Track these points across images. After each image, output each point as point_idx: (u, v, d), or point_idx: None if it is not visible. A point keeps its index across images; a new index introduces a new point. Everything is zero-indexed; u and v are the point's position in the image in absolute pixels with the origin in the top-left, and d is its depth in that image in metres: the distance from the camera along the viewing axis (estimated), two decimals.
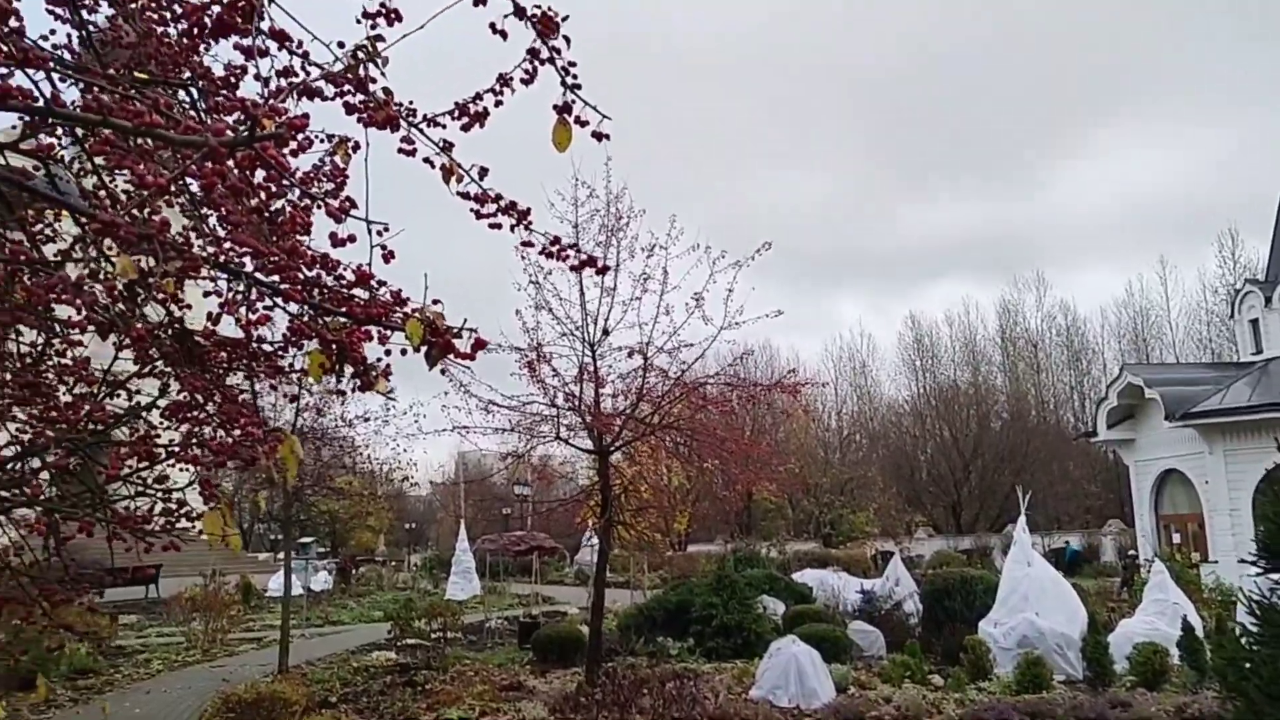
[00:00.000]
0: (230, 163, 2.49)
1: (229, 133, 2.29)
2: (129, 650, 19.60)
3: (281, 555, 23.74)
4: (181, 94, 3.53)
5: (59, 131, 3.49)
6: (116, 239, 2.04)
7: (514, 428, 14.98)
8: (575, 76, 3.21)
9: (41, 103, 2.31)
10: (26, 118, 2.42)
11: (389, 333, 3.11)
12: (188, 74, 3.38)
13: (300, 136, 3.26)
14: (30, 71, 2.67)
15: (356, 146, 3.50)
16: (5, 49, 2.17)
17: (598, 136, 3.29)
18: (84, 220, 2.89)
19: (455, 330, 3.00)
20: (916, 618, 18.77)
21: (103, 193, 3.54)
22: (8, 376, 3.53)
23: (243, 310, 2.97)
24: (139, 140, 2.64)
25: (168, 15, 2.97)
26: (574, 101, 3.22)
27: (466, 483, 45.62)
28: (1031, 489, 22.89)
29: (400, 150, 3.35)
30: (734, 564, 23.91)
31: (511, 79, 3.44)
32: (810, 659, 13.28)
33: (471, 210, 3.51)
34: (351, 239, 2.73)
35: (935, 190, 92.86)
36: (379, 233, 3.11)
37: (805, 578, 25.16)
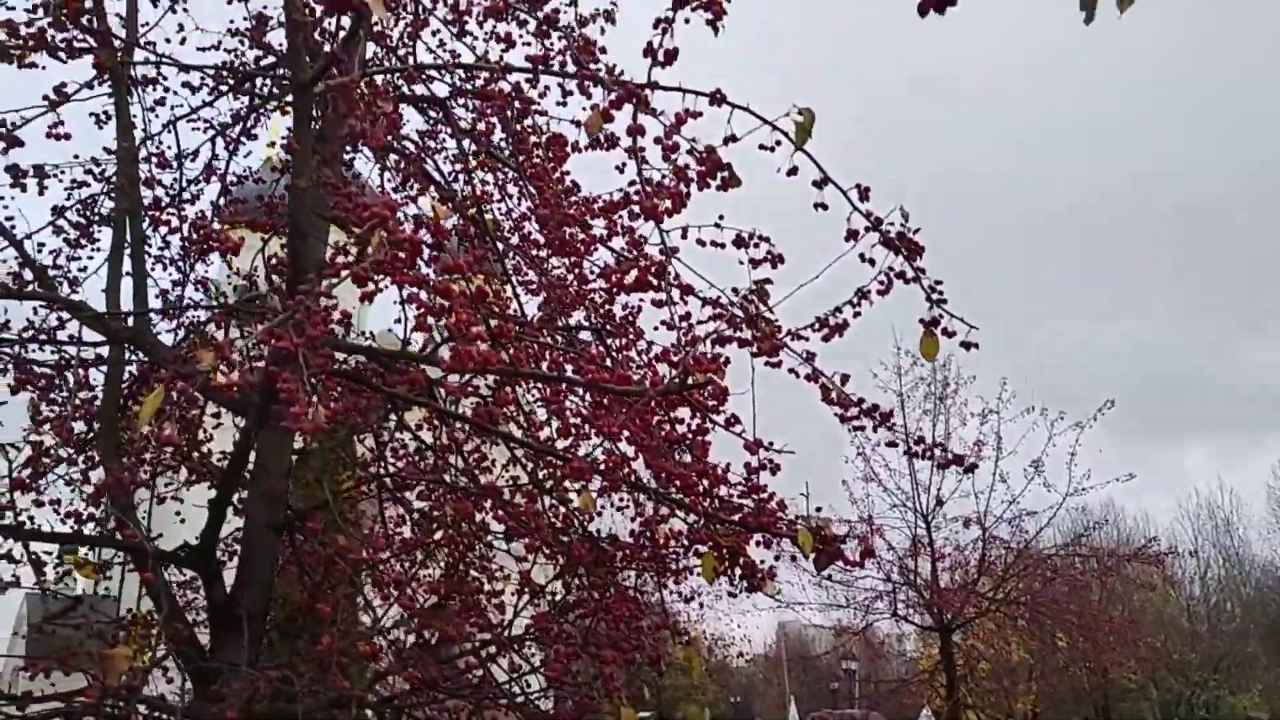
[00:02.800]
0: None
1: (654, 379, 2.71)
2: None
3: None
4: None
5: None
6: (583, 477, 2.46)
7: (847, 604, 14.83)
8: (941, 292, 3.42)
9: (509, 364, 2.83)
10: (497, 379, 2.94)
11: (775, 538, 3.40)
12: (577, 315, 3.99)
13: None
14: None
15: (728, 361, 3.90)
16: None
17: (966, 346, 3.46)
18: (532, 454, 3.44)
19: (842, 538, 3.24)
20: None
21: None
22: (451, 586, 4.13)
23: (654, 524, 3.34)
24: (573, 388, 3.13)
25: (585, 274, 3.52)
26: (941, 316, 3.42)
27: (798, 659, 44.44)
28: None
29: (767, 363, 3.71)
30: None
31: (869, 291, 3.73)
32: None
33: (836, 415, 3.78)
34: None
35: None
36: (766, 446, 3.43)
37: None
